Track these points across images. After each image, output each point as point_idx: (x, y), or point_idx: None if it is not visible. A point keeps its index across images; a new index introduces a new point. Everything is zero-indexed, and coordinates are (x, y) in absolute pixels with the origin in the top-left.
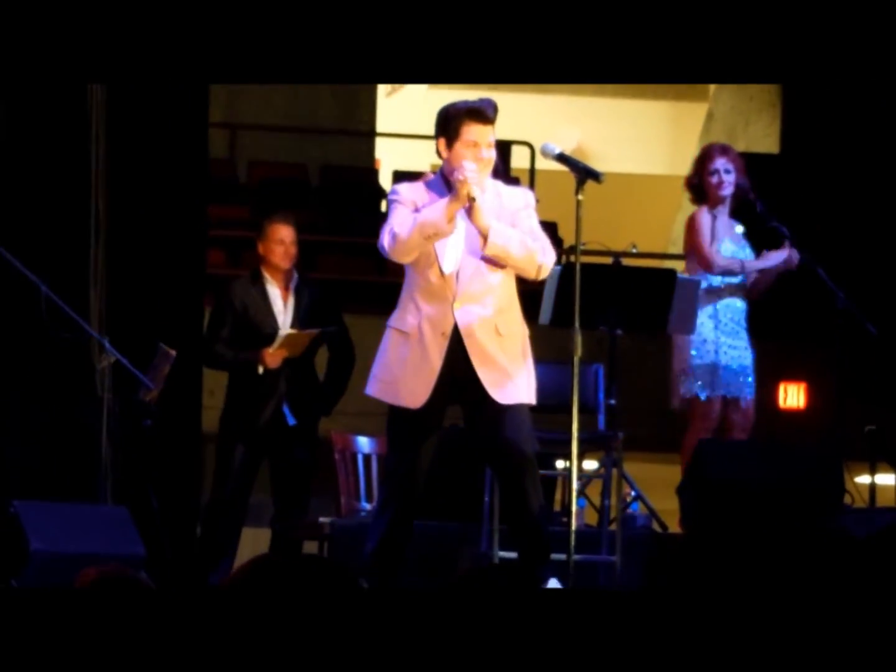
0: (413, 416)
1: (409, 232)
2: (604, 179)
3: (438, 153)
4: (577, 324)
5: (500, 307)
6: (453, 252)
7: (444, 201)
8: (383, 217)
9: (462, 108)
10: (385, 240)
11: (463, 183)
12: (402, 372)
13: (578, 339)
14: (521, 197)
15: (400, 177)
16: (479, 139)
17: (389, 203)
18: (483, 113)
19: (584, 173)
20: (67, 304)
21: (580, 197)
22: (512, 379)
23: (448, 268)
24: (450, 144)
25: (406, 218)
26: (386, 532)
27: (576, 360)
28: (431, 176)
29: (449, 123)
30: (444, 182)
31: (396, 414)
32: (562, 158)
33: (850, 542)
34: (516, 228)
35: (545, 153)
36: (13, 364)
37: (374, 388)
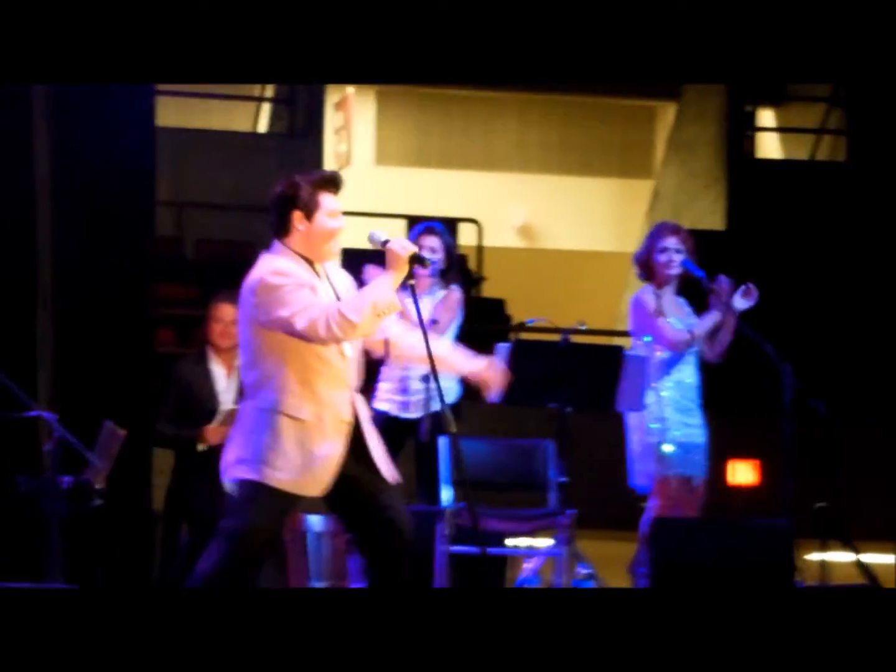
0: (294, 500)
1: (363, 315)
2: (429, 265)
3: (289, 227)
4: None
5: None
6: None
7: (385, 276)
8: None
9: (317, 177)
10: (333, 326)
11: (405, 252)
12: (303, 462)
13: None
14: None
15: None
16: (337, 208)
17: (282, 286)
18: (336, 182)
19: (412, 259)
20: (14, 381)
21: (412, 282)
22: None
23: (349, 352)
24: (309, 216)
25: (322, 301)
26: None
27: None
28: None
29: (305, 195)
30: (301, 258)
31: (279, 493)
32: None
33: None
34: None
35: (372, 241)
36: None
37: (266, 475)
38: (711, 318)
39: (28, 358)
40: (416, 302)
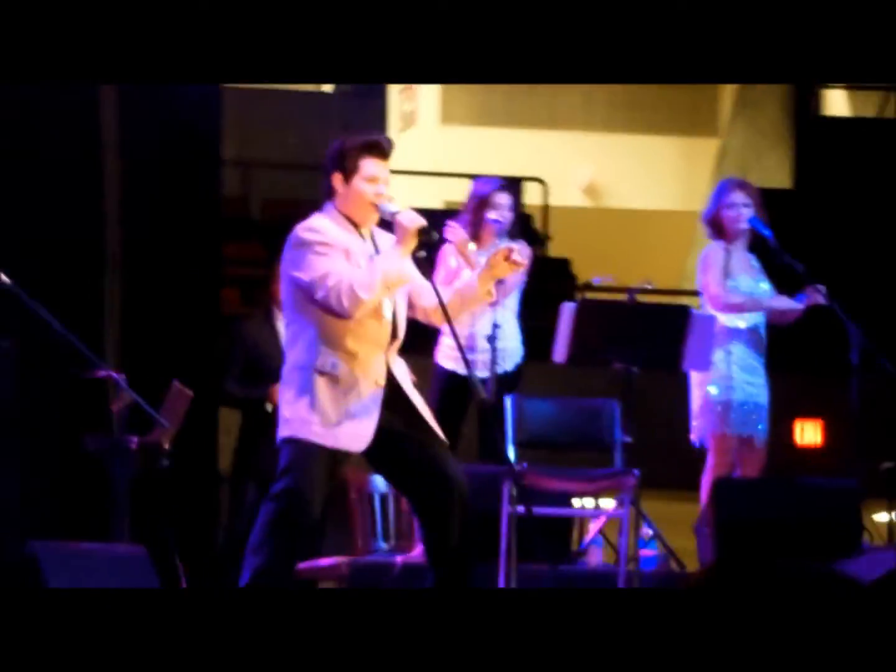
0: (338, 457)
1: (374, 290)
2: (436, 237)
3: (332, 188)
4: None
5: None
6: (387, 298)
7: (394, 249)
8: None
9: (360, 142)
10: (343, 300)
11: (412, 224)
12: (341, 418)
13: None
14: None
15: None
16: (378, 174)
17: (313, 245)
18: (381, 147)
19: (420, 232)
20: (83, 342)
21: (423, 254)
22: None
23: (387, 313)
24: (347, 179)
25: (353, 271)
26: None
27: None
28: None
29: (346, 158)
30: (345, 219)
31: (319, 450)
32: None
33: (855, 590)
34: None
35: (382, 213)
36: (30, 403)
37: (306, 432)
38: (782, 304)
39: (96, 319)
40: (432, 273)
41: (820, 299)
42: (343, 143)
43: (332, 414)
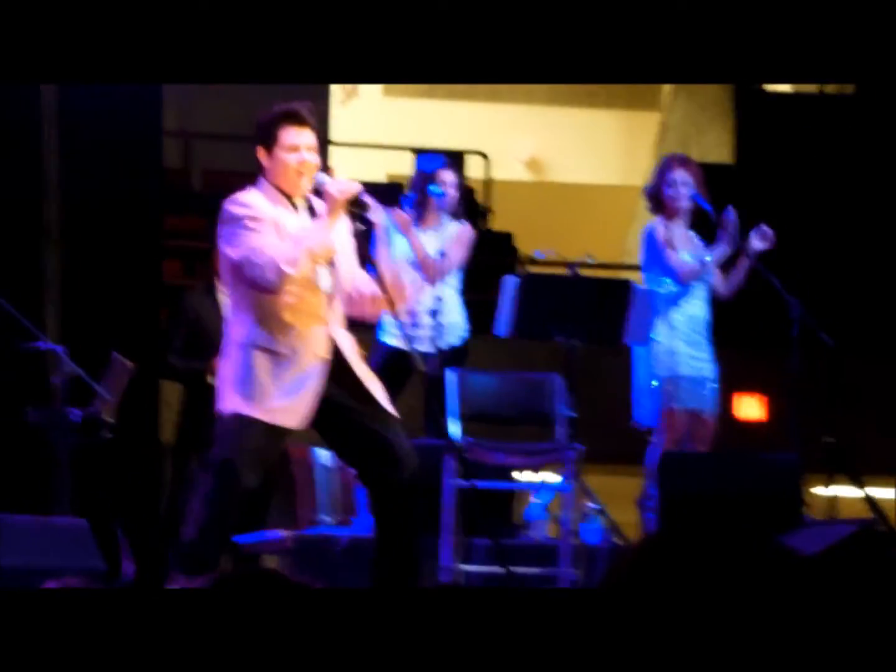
0: (276, 432)
1: (299, 264)
2: (368, 209)
3: (259, 163)
4: None
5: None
6: (324, 269)
7: (320, 221)
8: None
9: (276, 112)
10: (268, 276)
11: (341, 195)
12: (278, 393)
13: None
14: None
15: None
16: (297, 142)
17: (241, 219)
18: (297, 115)
19: (351, 203)
20: (22, 314)
21: (360, 227)
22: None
23: (325, 285)
24: (269, 151)
25: (278, 245)
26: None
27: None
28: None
29: (266, 130)
30: (276, 191)
31: (256, 424)
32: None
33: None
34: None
35: (319, 184)
36: None
37: (243, 406)
38: (720, 250)
39: (35, 291)
40: (372, 241)
41: (768, 234)
42: (262, 116)
43: (268, 388)
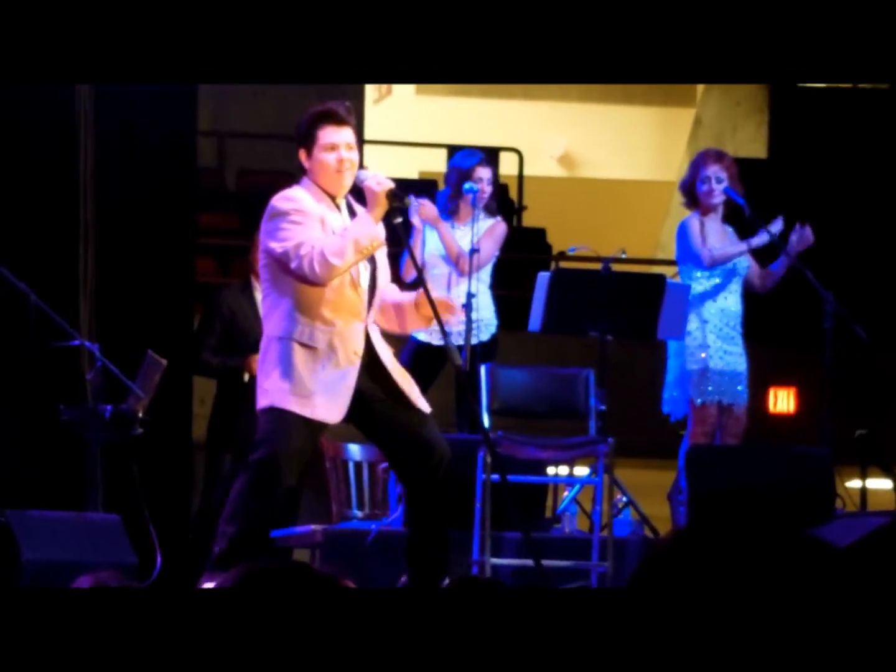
0: (315, 426)
1: (346, 256)
2: (409, 201)
3: (301, 164)
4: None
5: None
6: (365, 267)
7: (365, 214)
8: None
9: (314, 112)
10: (315, 267)
11: (380, 188)
12: (318, 388)
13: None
14: None
15: None
16: (336, 140)
17: (288, 214)
18: (335, 114)
19: (389, 196)
20: (57, 312)
21: (399, 220)
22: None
23: (363, 282)
24: (309, 153)
25: (325, 238)
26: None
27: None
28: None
29: (305, 131)
30: (320, 190)
31: (297, 419)
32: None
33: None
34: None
35: (358, 180)
36: (3, 373)
37: (284, 401)
38: (761, 238)
39: (70, 288)
40: (409, 238)
41: (808, 236)
42: (302, 118)
43: (308, 383)
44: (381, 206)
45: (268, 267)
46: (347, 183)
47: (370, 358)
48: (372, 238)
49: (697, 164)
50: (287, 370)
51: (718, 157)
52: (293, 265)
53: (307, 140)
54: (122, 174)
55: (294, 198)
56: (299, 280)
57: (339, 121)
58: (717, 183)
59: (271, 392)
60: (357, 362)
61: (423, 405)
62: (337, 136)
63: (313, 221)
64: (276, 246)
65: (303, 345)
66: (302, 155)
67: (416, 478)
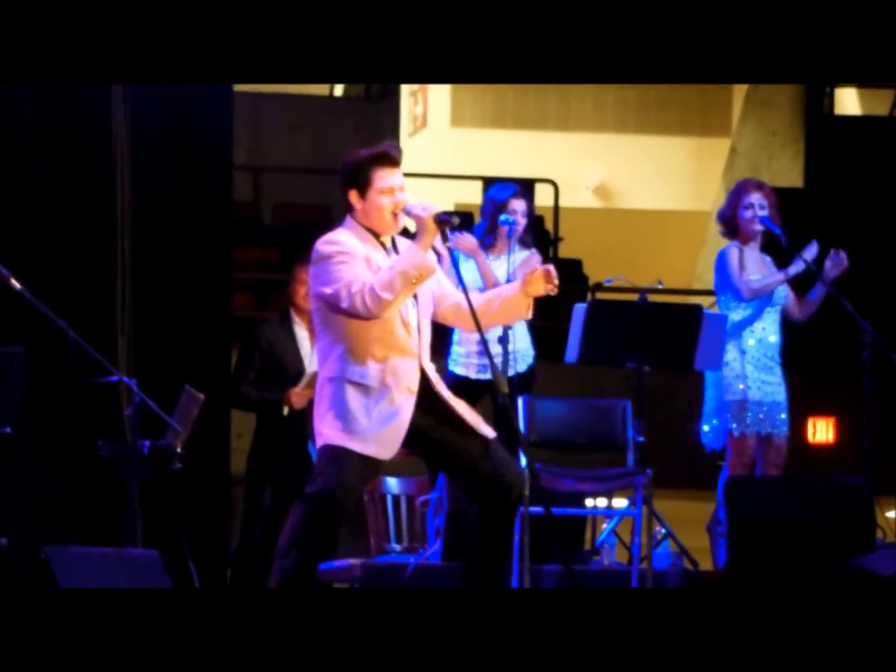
0: (371, 463)
1: (395, 288)
2: (457, 221)
3: (349, 205)
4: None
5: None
6: (412, 303)
7: (413, 245)
8: None
9: (368, 154)
10: (368, 303)
11: (426, 213)
12: (371, 425)
13: None
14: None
15: None
16: (392, 183)
17: (333, 256)
18: (390, 156)
19: (437, 221)
20: (95, 347)
21: (448, 245)
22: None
23: (412, 320)
24: (363, 194)
25: (369, 275)
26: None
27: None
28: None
29: (358, 173)
30: (366, 231)
31: (353, 456)
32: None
33: (874, 583)
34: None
35: (405, 210)
36: (42, 409)
37: (339, 439)
38: (797, 266)
39: (107, 324)
40: (455, 263)
41: (842, 260)
42: (353, 159)
43: (362, 421)
44: (431, 233)
45: (319, 311)
46: (401, 225)
47: (427, 392)
48: (420, 268)
49: (739, 193)
50: (341, 410)
51: (760, 186)
52: (345, 304)
53: (360, 181)
54: (158, 209)
55: (338, 241)
56: (352, 317)
57: (392, 163)
58: (761, 210)
59: (327, 431)
60: (412, 398)
61: (487, 431)
62: (393, 180)
63: (359, 260)
64: (326, 289)
65: (354, 384)
66: (353, 195)
67: (488, 504)
